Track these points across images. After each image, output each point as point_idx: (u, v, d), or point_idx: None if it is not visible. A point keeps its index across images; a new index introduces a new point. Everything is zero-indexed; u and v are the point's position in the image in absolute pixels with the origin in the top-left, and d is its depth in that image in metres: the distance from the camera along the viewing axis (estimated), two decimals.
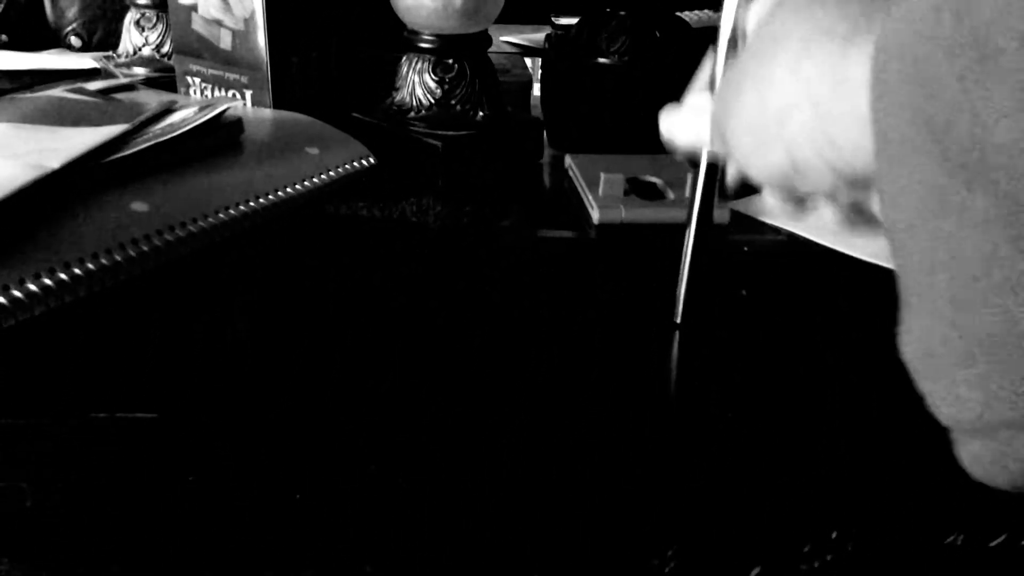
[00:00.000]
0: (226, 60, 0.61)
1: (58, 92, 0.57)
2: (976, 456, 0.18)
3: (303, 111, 0.59)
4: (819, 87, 0.24)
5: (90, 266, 0.39)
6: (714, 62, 0.34)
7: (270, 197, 0.48)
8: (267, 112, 0.60)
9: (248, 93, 0.61)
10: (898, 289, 0.20)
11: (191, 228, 0.43)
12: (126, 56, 0.72)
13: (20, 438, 0.32)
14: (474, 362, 0.38)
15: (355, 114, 0.61)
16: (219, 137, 0.51)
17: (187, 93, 0.64)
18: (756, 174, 0.27)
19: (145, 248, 0.41)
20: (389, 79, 0.61)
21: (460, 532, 0.36)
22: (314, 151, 0.53)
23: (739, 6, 0.33)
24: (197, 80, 0.63)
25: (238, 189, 0.47)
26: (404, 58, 0.60)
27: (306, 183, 0.50)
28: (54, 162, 0.42)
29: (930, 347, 0.19)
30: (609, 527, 0.36)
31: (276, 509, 0.34)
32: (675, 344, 0.39)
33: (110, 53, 0.75)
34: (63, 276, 0.37)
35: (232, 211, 0.46)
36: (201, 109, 0.51)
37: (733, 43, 0.33)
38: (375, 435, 0.33)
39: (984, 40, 0.17)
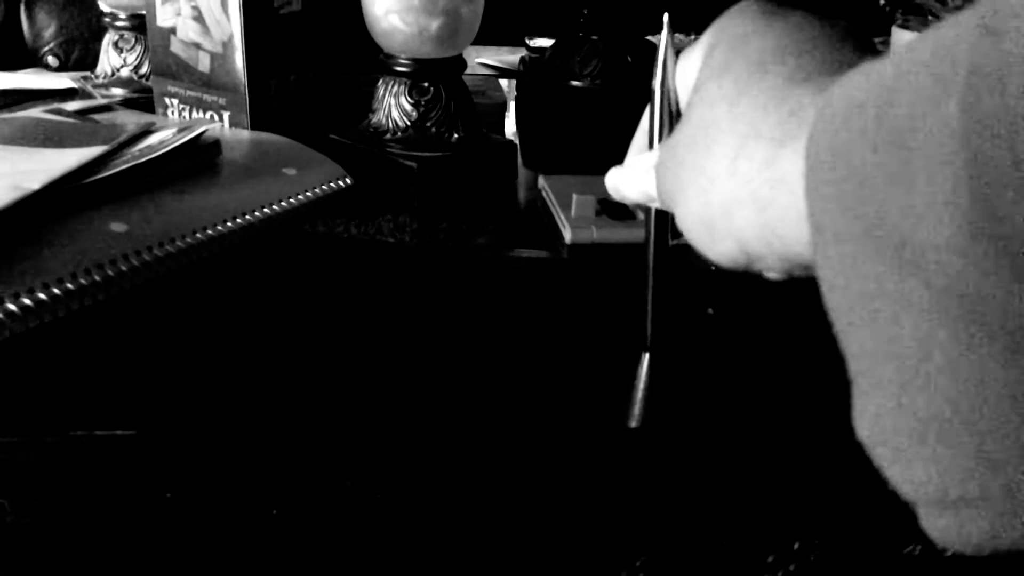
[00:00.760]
0: (204, 82, 0.62)
1: (36, 113, 0.58)
2: (941, 529, 0.19)
3: (281, 132, 0.59)
4: (758, 186, 0.25)
5: (69, 286, 0.39)
6: (651, 119, 0.35)
7: (248, 217, 0.49)
8: (245, 133, 0.60)
9: (226, 115, 0.62)
10: (848, 372, 0.21)
11: (169, 248, 0.44)
12: (104, 77, 0.73)
13: (0, 455, 0.32)
14: (448, 379, 0.38)
15: (332, 136, 0.62)
16: (197, 158, 0.52)
17: (165, 114, 0.65)
18: (713, 258, 0.28)
19: (124, 268, 0.41)
20: (366, 101, 0.62)
21: (436, 546, 0.36)
22: (291, 172, 0.54)
23: (667, 62, 0.34)
24: (175, 101, 0.64)
25: (216, 209, 0.48)
26: (381, 81, 0.61)
27: (283, 203, 0.51)
28: (34, 183, 0.43)
29: (882, 430, 0.19)
30: (579, 540, 0.37)
31: (253, 525, 0.35)
32: (644, 363, 0.40)
33: (88, 73, 0.75)
34: (42, 296, 0.38)
35: (210, 231, 0.46)
36: (179, 131, 0.52)
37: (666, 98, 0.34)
38: (351, 450, 0.34)
39: (905, 139, 0.18)
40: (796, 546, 0.37)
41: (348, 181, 0.55)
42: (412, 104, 0.60)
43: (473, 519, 0.36)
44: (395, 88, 0.60)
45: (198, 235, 0.46)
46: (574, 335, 0.43)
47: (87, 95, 0.69)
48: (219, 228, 0.47)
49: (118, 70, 0.72)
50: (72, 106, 0.61)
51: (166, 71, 0.63)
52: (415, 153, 0.59)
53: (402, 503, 0.35)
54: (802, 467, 0.37)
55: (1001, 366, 0.17)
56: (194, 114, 0.63)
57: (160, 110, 0.65)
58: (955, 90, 0.17)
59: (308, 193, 0.53)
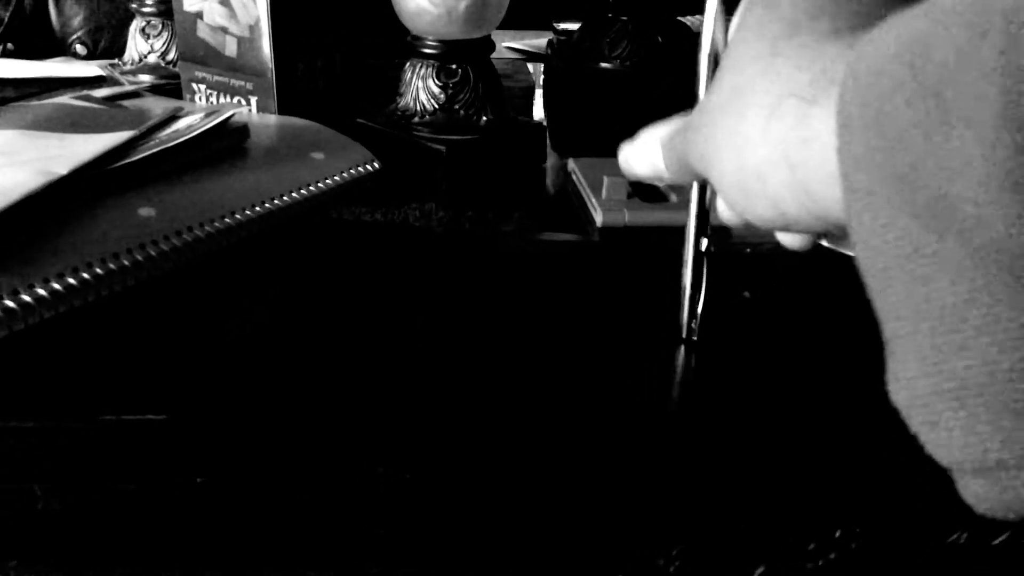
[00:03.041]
0: (231, 67, 0.62)
1: (64, 99, 0.58)
2: (978, 495, 0.18)
3: (308, 117, 0.59)
4: (790, 147, 0.24)
5: (98, 271, 0.39)
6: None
7: (275, 202, 0.48)
8: (272, 118, 0.60)
9: (253, 99, 0.62)
10: (881, 335, 0.20)
11: (198, 233, 0.44)
12: (131, 63, 0.73)
13: (30, 441, 0.32)
14: (480, 366, 0.38)
15: (360, 119, 0.62)
16: (224, 143, 0.52)
17: (192, 100, 0.65)
18: (750, 220, 0.28)
19: (152, 253, 0.41)
20: (393, 85, 0.62)
21: (466, 533, 0.36)
22: (319, 156, 0.53)
23: (716, 26, 0.34)
24: (202, 87, 0.64)
25: (244, 194, 0.48)
26: (408, 64, 0.61)
27: (311, 188, 0.50)
28: (62, 168, 0.42)
29: (918, 393, 0.19)
30: (615, 527, 0.37)
31: (283, 510, 0.34)
32: (681, 348, 0.40)
33: (115, 60, 0.75)
34: (71, 280, 0.38)
35: (239, 216, 0.46)
36: (207, 115, 0.52)
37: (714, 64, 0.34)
38: (382, 437, 0.34)
39: (941, 90, 0.17)
40: (838, 534, 0.36)
41: (376, 165, 0.54)
42: (440, 87, 0.59)
43: (505, 506, 0.36)
44: (423, 71, 0.59)
45: (227, 220, 0.45)
46: (607, 320, 0.42)
47: (115, 82, 0.69)
48: (247, 213, 0.47)
49: (145, 56, 0.72)
50: (100, 93, 0.61)
51: (193, 56, 0.63)
52: (443, 136, 0.58)
53: (434, 490, 0.35)
54: (843, 454, 0.36)
55: None
56: (221, 99, 0.63)
57: (187, 96, 0.65)
58: (991, 36, 0.16)
59: (336, 177, 0.52)
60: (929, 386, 0.18)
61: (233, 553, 0.35)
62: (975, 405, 0.17)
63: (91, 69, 0.73)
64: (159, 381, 0.35)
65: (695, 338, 0.40)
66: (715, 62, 0.34)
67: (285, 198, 0.49)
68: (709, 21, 0.34)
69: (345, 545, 0.35)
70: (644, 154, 0.34)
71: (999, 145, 0.16)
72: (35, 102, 0.59)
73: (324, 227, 0.52)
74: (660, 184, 0.36)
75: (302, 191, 0.50)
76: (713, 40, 0.34)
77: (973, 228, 0.17)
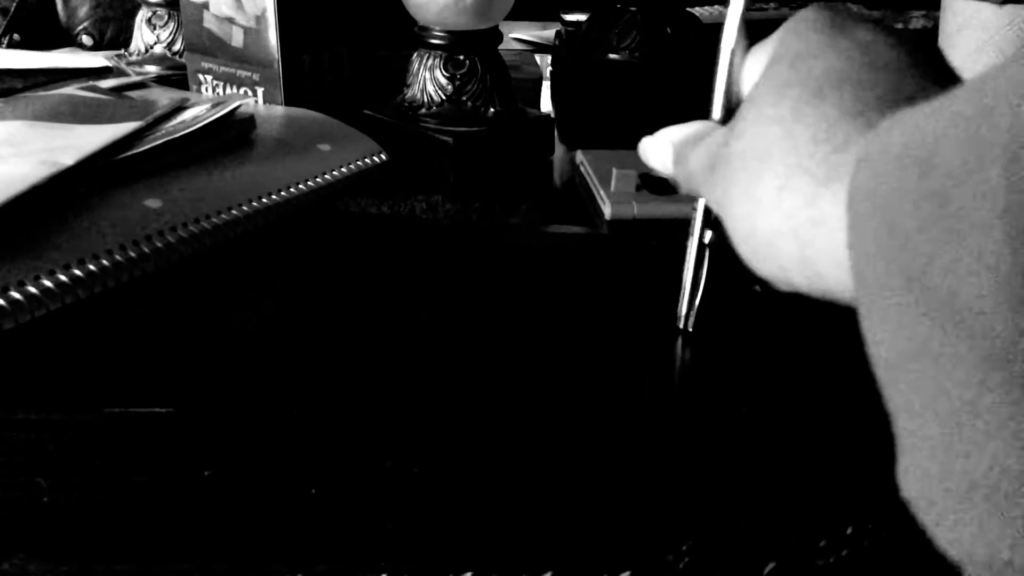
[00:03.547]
0: (238, 57, 0.61)
1: (71, 90, 0.58)
2: None
3: (315, 108, 0.59)
4: (800, 224, 0.24)
5: (104, 262, 0.39)
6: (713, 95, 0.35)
7: (282, 194, 0.48)
8: (279, 109, 0.60)
9: (260, 90, 0.61)
10: (893, 428, 0.20)
11: (204, 224, 0.43)
12: (138, 54, 0.73)
13: (36, 433, 0.32)
14: (487, 359, 0.38)
15: (366, 111, 0.61)
16: (231, 134, 0.51)
17: (199, 91, 0.64)
18: (760, 273, 0.28)
19: (159, 244, 0.41)
20: (400, 76, 0.61)
21: (474, 527, 0.36)
22: (326, 148, 0.53)
23: (735, 48, 0.34)
24: (209, 78, 0.63)
25: (250, 186, 0.47)
26: (415, 55, 0.60)
27: (318, 179, 0.50)
28: (68, 159, 0.42)
29: (929, 490, 0.19)
30: (624, 522, 0.36)
31: (291, 504, 0.34)
32: (686, 342, 0.39)
33: (122, 51, 0.75)
34: (78, 272, 0.37)
35: (245, 207, 0.46)
36: (213, 106, 0.51)
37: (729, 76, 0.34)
38: (390, 430, 0.33)
39: (946, 196, 0.17)
40: (849, 531, 0.36)
41: (383, 157, 0.54)
42: (447, 78, 0.59)
43: (513, 501, 0.35)
44: (430, 61, 0.59)
45: (233, 211, 0.45)
46: (616, 312, 0.42)
47: (121, 73, 0.69)
48: (254, 204, 0.46)
49: (151, 47, 0.72)
50: (106, 83, 0.61)
51: (199, 47, 0.63)
52: (450, 128, 0.58)
53: (442, 484, 0.34)
54: (856, 449, 0.36)
55: None
56: (228, 90, 0.63)
57: (194, 87, 0.65)
58: (996, 157, 0.16)
59: (343, 169, 0.52)
60: (939, 484, 0.18)
61: (241, 546, 0.35)
62: (984, 506, 0.17)
63: (97, 60, 0.72)
64: (166, 374, 0.35)
65: (690, 330, 0.40)
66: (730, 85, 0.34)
67: (292, 190, 0.49)
68: (727, 45, 0.34)
69: (353, 539, 0.35)
70: (657, 152, 0.35)
71: (1003, 262, 0.16)
72: (41, 93, 0.59)
73: (330, 219, 0.52)
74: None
75: (309, 183, 0.50)
76: (731, 65, 0.34)
77: (980, 334, 0.17)
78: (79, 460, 0.33)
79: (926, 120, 0.19)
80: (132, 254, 0.40)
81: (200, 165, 0.48)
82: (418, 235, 0.51)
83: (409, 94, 0.60)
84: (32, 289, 0.36)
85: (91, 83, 0.60)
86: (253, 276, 0.44)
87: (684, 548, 0.37)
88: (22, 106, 0.51)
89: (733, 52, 0.34)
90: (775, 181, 0.26)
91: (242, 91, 0.62)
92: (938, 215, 0.18)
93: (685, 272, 0.39)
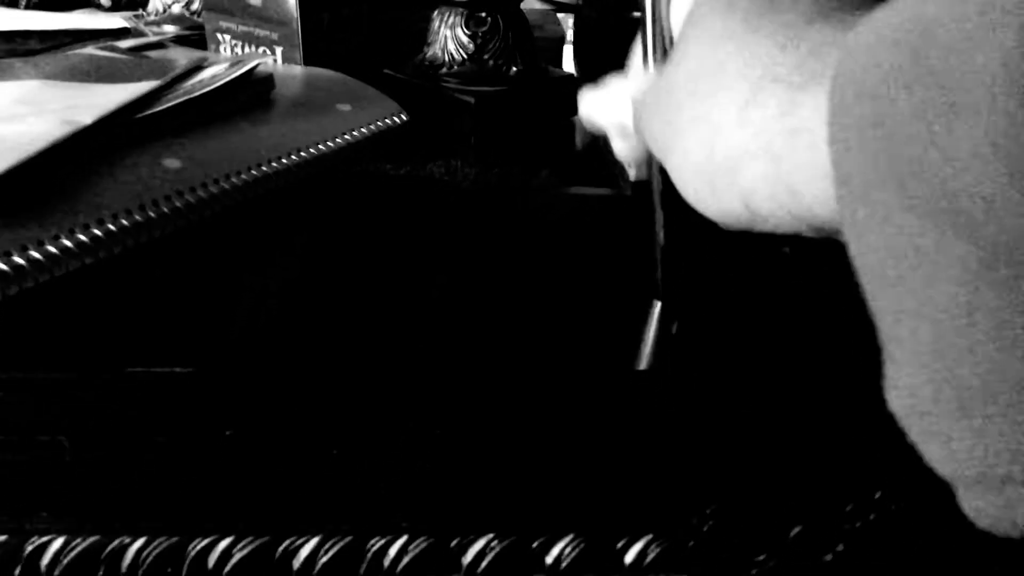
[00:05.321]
0: (256, 16, 0.60)
1: (89, 50, 0.57)
2: (980, 509, 0.17)
3: (334, 68, 0.58)
4: (773, 137, 0.22)
5: (124, 222, 0.38)
6: (642, 45, 0.32)
7: (302, 154, 0.47)
8: (298, 69, 0.59)
9: (279, 50, 0.60)
10: (878, 339, 0.19)
11: (223, 185, 0.43)
12: (156, 14, 0.72)
13: (58, 393, 0.32)
14: (508, 322, 0.37)
15: (386, 70, 0.60)
16: (250, 94, 0.51)
17: (217, 50, 0.64)
18: (710, 215, 0.25)
19: (178, 204, 0.41)
20: (421, 34, 0.60)
21: (495, 489, 0.35)
22: (346, 108, 0.52)
23: None
24: (227, 37, 0.63)
25: (271, 146, 0.47)
26: (436, 12, 0.59)
27: (338, 140, 0.49)
28: (86, 117, 0.42)
29: (919, 402, 0.17)
30: (648, 485, 0.36)
31: (312, 464, 0.34)
32: (656, 311, 0.38)
33: (139, 11, 0.74)
34: (97, 232, 0.37)
35: (264, 168, 0.45)
36: (232, 65, 0.51)
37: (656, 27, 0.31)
38: (411, 391, 0.33)
39: (945, 75, 0.16)
40: (878, 495, 0.36)
41: (404, 117, 0.53)
42: (469, 36, 0.58)
43: (536, 463, 0.35)
44: (451, 19, 0.58)
45: (252, 172, 0.45)
46: (640, 275, 0.41)
47: (139, 33, 0.68)
48: (274, 165, 0.46)
49: (169, 7, 0.71)
50: (124, 44, 0.60)
51: (217, 6, 0.62)
52: (472, 88, 0.57)
53: (464, 445, 0.34)
54: (883, 413, 0.35)
55: None
56: (246, 50, 0.62)
57: (212, 46, 0.64)
58: (1009, 21, 0.14)
59: (363, 129, 0.51)
60: (930, 394, 0.17)
61: (262, 506, 0.35)
62: (981, 415, 0.16)
63: (115, 20, 0.72)
64: (186, 333, 0.34)
65: (666, 294, 0.37)
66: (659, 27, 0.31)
67: (311, 150, 0.48)
68: None
69: (375, 499, 0.35)
70: (611, 107, 0.31)
71: (1010, 139, 0.14)
72: (59, 53, 0.58)
73: (350, 180, 0.51)
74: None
75: (328, 143, 0.49)
76: (656, 4, 0.31)
77: (981, 225, 0.15)
78: (101, 420, 0.33)
79: (924, 3, 0.17)
80: (151, 214, 0.39)
81: (219, 125, 0.47)
82: (439, 196, 0.50)
83: (430, 53, 0.59)
84: (51, 248, 0.35)
85: (109, 43, 0.60)
86: (273, 237, 0.44)
87: (708, 511, 0.36)
88: (41, 66, 0.51)
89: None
90: (736, 97, 0.23)
91: (260, 50, 0.61)
92: (936, 97, 0.16)
93: (657, 235, 0.36)
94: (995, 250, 0.15)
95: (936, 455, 0.17)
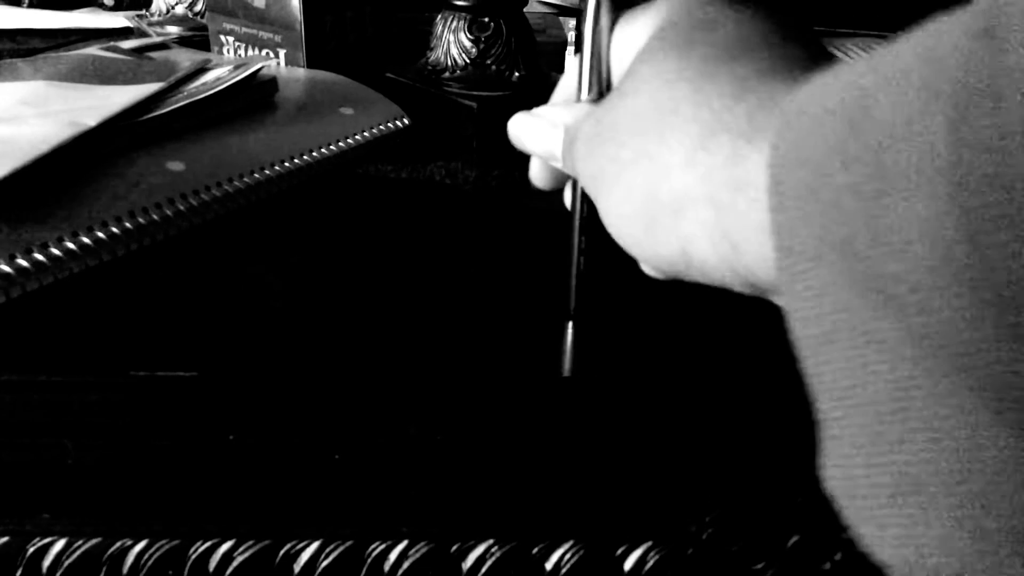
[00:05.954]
0: (260, 19, 0.60)
1: (92, 50, 0.57)
2: None
3: (337, 71, 0.58)
4: (719, 187, 0.21)
5: (127, 225, 0.38)
6: (577, 74, 0.31)
7: (305, 157, 0.48)
8: (301, 72, 0.59)
9: (282, 52, 0.60)
10: (816, 413, 0.18)
11: (227, 188, 0.43)
12: (159, 15, 0.72)
13: (62, 395, 0.32)
14: (512, 327, 0.37)
15: (389, 74, 0.60)
16: (253, 96, 0.51)
17: (220, 52, 0.64)
18: (642, 258, 0.25)
19: (181, 207, 0.41)
20: (424, 38, 0.61)
21: (496, 496, 0.36)
22: (348, 111, 0.52)
23: (599, 16, 0.29)
24: (230, 39, 0.63)
25: (274, 149, 0.47)
26: (439, 16, 0.59)
27: (340, 143, 0.50)
28: (90, 120, 0.42)
29: (853, 484, 0.17)
30: (648, 493, 0.36)
31: (315, 469, 0.34)
32: (569, 332, 0.38)
33: (143, 11, 0.74)
34: (100, 235, 0.37)
35: (267, 171, 0.45)
36: (235, 68, 0.51)
37: (596, 57, 0.30)
38: (413, 397, 0.33)
39: (881, 154, 0.15)
40: None
41: (406, 121, 0.53)
42: (472, 40, 0.58)
43: (536, 471, 0.35)
44: (454, 24, 0.58)
45: (255, 175, 0.45)
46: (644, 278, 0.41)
47: (142, 33, 0.68)
48: (276, 168, 0.46)
49: (172, 7, 0.71)
50: (127, 44, 0.60)
51: (221, 8, 0.62)
52: (474, 92, 0.57)
53: (465, 452, 0.34)
54: None
55: (998, 435, 0.14)
56: (249, 52, 0.62)
57: (215, 48, 0.64)
58: (944, 104, 0.14)
59: (366, 133, 0.51)
60: (865, 478, 0.17)
61: (264, 510, 0.35)
62: (913, 505, 0.16)
63: (118, 20, 0.72)
64: (190, 337, 0.35)
65: (578, 315, 0.36)
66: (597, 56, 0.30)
67: (314, 153, 0.48)
68: (591, 15, 0.29)
69: (376, 505, 0.35)
70: (542, 136, 0.30)
71: (943, 226, 0.14)
72: (62, 53, 0.58)
73: (352, 184, 0.51)
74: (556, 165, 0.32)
75: (331, 146, 0.49)
76: (597, 32, 0.29)
77: (913, 313, 0.15)
78: (104, 422, 0.33)
79: (864, 76, 0.17)
80: (155, 217, 0.39)
81: (222, 128, 0.47)
82: (440, 201, 0.50)
83: (432, 57, 0.59)
84: (55, 251, 0.36)
85: (112, 43, 0.60)
86: (275, 240, 0.44)
87: (707, 519, 0.36)
88: (44, 66, 0.51)
89: (598, 18, 0.29)
90: (685, 140, 0.22)
91: (264, 53, 0.61)
92: (872, 175, 0.15)
93: (573, 253, 0.35)
94: (927, 339, 0.15)
95: (870, 540, 0.17)
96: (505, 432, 0.34)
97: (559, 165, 0.31)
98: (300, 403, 0.33)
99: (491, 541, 0.36)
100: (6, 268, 0.34)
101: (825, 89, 0.18)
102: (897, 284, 0.15)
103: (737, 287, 0.23)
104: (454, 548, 0.36)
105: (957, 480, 0.15)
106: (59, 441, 0.33)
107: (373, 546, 0.35)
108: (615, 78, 0.30)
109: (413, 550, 0.35)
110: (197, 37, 0.67)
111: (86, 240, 0.37)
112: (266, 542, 0.35)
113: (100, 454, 0.33)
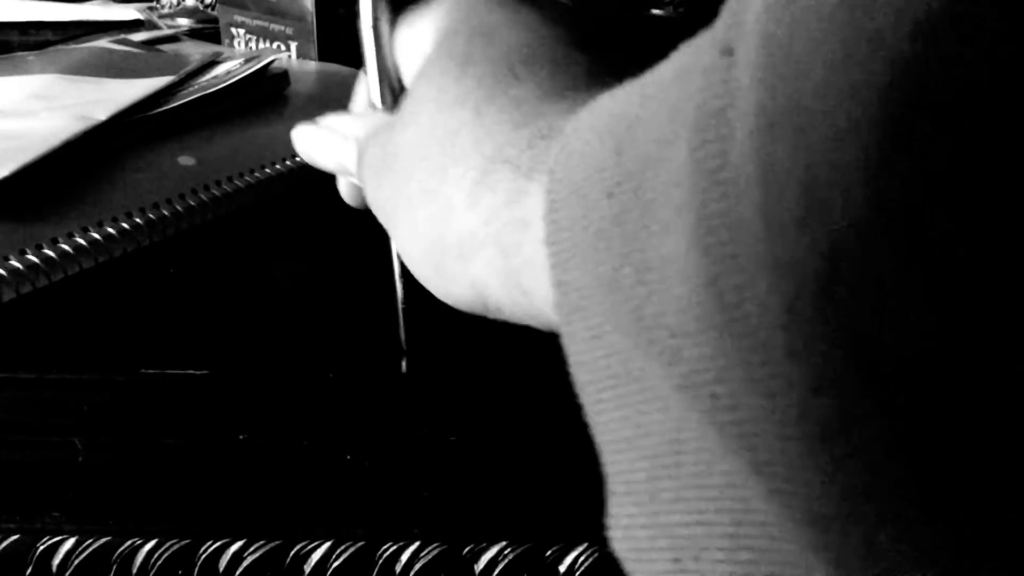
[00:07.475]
0: (271, 11, 0.60)
1: (103, 43, 0.57)
2: None
3: (349, 63, 0.57)
4: (503, 228, 0.20)
5: (138, 220, 0.38)
6: (366, 82, 0.29)
7: None
8: (312, 64, 0.59)
9: (293, 45, 0.60)
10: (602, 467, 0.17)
11: (238, 183, 0.43)
12: (169, 7, 0.72)
13: (71, 394, 0.32)
14: (523, 328, 0.37)
15: None
16: (265, 90, 0.50)
17: (231, 45, 0.63)
18: (441, 298, 0.23)
19: (192, 203, 0.40)
20: None
21: (509, 497, 0.35)
22: None
23: (377, 18, 0.27)
24: (241, 31, 0.62)
25: (284, 144, 0.46)
26: None
27: None
28: (101, 114, 0.41)
29: (637, 544, 0.16)
30: None
31: (326, 469, 0.34)
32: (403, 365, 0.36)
33: (154, 4, 0.74)
34: (111, 230, 0.37)
35: (278, 166, 0.45)
36: (246, 61, 0.50)
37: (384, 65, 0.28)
38: (426, 398, 0.33)
39: (639, 184, 0.14)
40: None
41: None
42: None
43: (551, 471, 0.35)
44: None
45: (267, 170, 0.44)
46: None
47: (153, 26, 0.68)
48: (287, 163, 0.45)
49: (183, 0, 0.71)
50: (138, 37, 0.60)
51: (232, 0, 0.62)
52: None
53: (478, 452, 0.34)
54: None
55: (763, 496, 0.13)
56: (260, 44, 0.62)
57: (226, 40, 0.63)
58: (686, 128, 0.13)
59: None
60: (647, 538, 0.15)
61: (274, 510, 0.35)
62: (693, 569, 0.14)
63: (129, 13, 0.71)
64: (201, 335, 0.34)
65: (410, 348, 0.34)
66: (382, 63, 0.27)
67: None
68: (367, 15, 0.27)
69: (388, 506, 0.35)
70: (332, 150, 0.28)
71: (692, 267, 0.12)
72: (73, 46, 0.58)
73: None
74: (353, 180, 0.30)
75: None
76: (378, 36, 0.27)
77: (673, 358, 0.13)
78: (114, 421, 0.32)
79: (629, 99, 0.15)
80: (166, 212, 0.39)
81: (233, 122, 0.47)
82: None
83: None
84: (65, 246, 0.35)
85: (123, 36, 0.60)
86: (288, 236, 0.43)
87: None
88: (55, 59, 0.51)
89: (376, 22, 0.27)
90: (468, 175, 0.20)
91: (275, 45, 0.61)
92: (630, 205, 0.14)
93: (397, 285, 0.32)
94: (687, 387, 0.13)
95: None
96: (518, 433, 0.34)
97: (356, 181, 0.28)
98: (311, 402, 0.33)
99: (504, 543, 0.36)
100: (16, 263, 0.34)
101: (599, 110, 0.16)
102: (658, 327, 0.14)
103: (545, 329, 0.21)
104: (467, 550, 0.35)
105: (730, 544, 0.13)
106: (69, 440, 0.32)
107: (385, 547, 0.35)
108: (407, 81, 0.27)
109: (425, 552, 0.35)
110: (208, 29, 0.66)
111: (96, 236, 0.36)
112: (277, 542, 0.35)
113: (110, 453, 0.33)
